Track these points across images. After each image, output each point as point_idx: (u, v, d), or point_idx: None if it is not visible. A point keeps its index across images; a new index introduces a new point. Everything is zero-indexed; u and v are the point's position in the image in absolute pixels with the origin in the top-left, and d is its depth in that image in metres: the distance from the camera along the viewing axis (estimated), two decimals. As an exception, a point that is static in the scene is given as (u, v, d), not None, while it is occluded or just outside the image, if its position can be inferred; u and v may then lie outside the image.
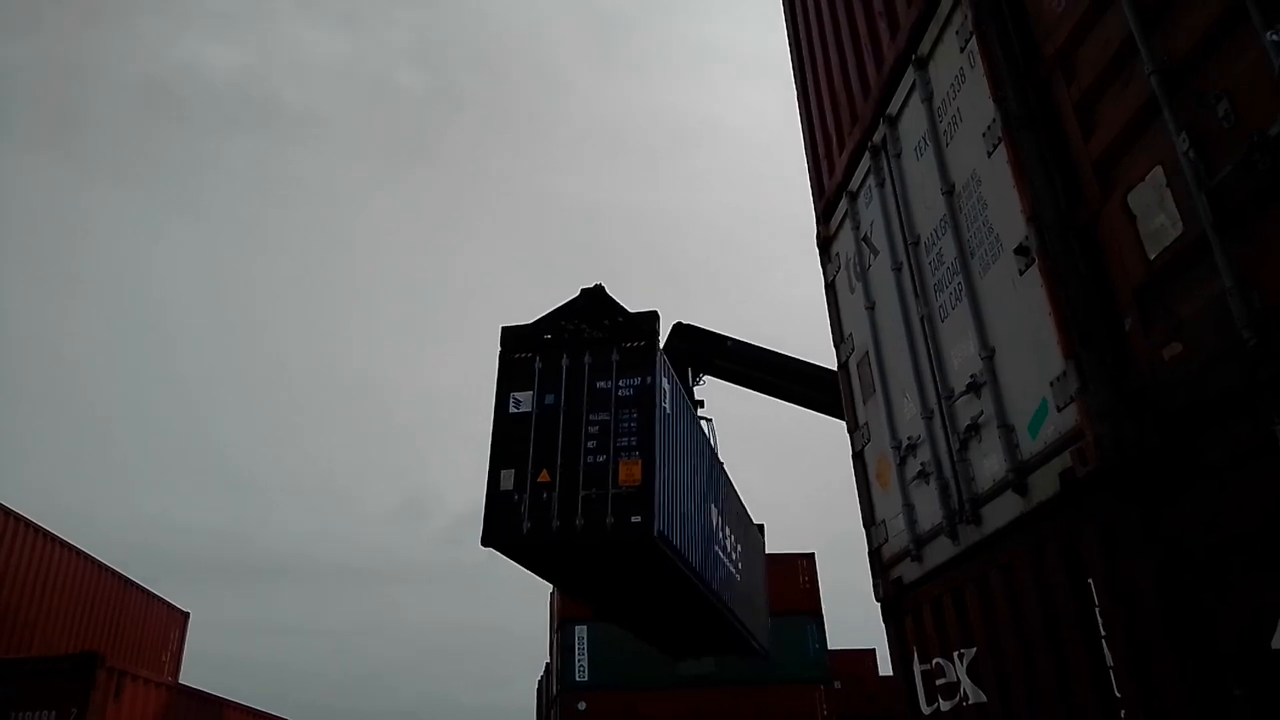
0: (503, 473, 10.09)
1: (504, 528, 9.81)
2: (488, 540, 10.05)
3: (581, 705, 30.37)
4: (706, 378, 15.20)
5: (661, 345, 14.99)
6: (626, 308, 10.96)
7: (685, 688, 30.18)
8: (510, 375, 10.57)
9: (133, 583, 13.95)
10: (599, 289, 11.48)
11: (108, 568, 13.03)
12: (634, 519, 9.60)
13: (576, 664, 30.62)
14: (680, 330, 14.95)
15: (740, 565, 15.01)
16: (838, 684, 32.84)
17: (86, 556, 12.39)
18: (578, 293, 11.41)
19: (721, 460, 14.88)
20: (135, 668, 7.38)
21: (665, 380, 10.98)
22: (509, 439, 10.19)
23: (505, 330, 11.07)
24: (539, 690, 47.02)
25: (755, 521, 18.01)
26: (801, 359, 14.67)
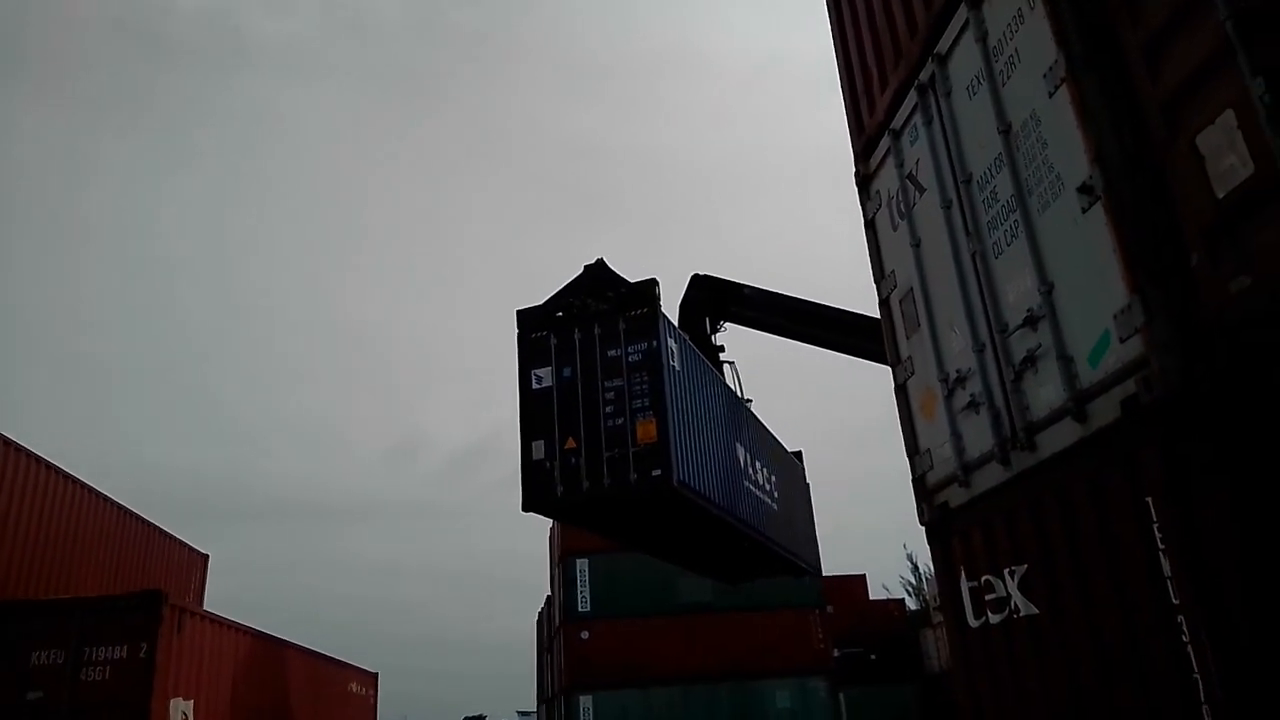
0: (533, 444, 10.96)
1: (540, 493, 10.73)
2: (528, 505, 10.93)
3: (584, 634, 31.39)
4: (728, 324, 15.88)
5: (680, 299, 15.63)
6: (626, 278, 11.69)
7: (685, 614, 31.24)
8: (529, 354, 11.46)
9: (155, 526, 14.20)
10: (600, 264, 12.02)
11: (132, 512, 13.23)
12: (654, 472, 10.41)
13: (579, 595, 31.53)
14: (698, 281, 15.45)
15: (777, 494, 15.73)
16: (830, 608, 34.05)
17: (112, 501, 12.59)
18: (581, 270, 11.94)
19: (750, 399, 15.51)
20: (192, 605, 7.61)
21: (671, 340, 11.62)
22: (535, 413, 11.12)
23: (520, 313, 11.85)
24: (539, 621, 48.13)
25: (792, 450, 18.82)
26: (816, 301, 15.11)
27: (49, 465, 10.71)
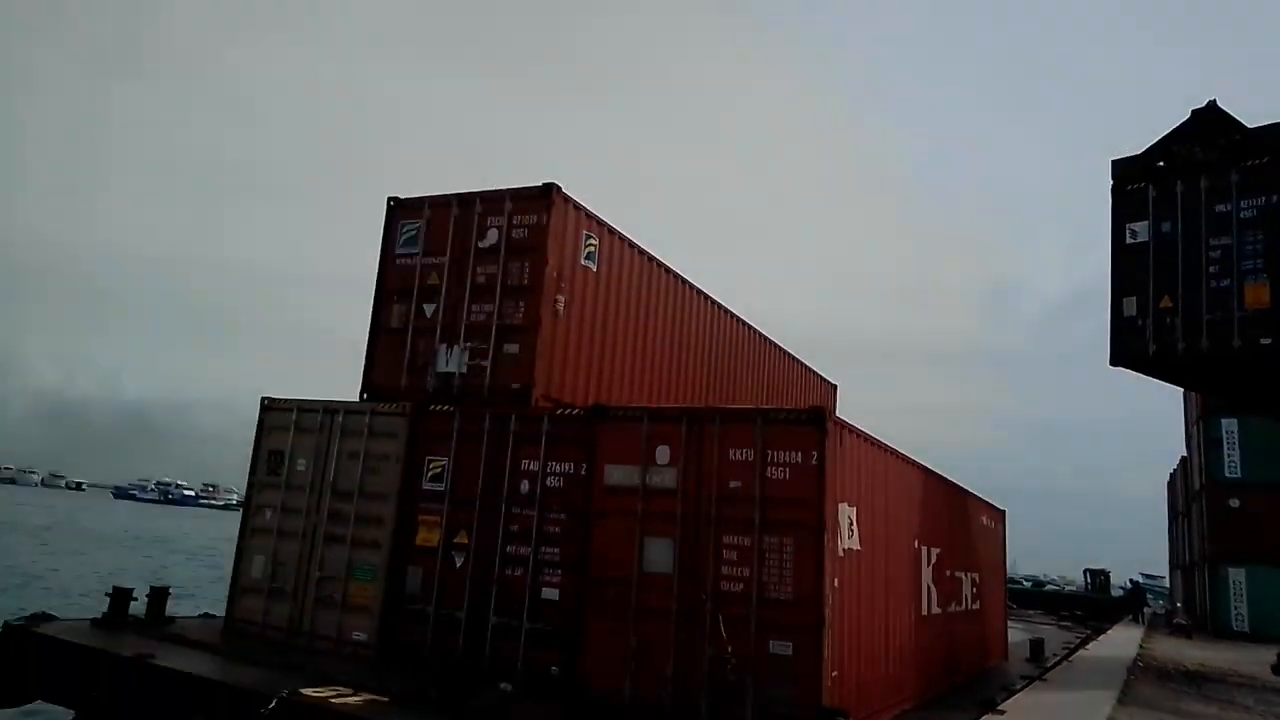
0: (1124, 300, 11.15)
1: (1130, 348, 11.07)
2: (1116, 360, 11.10)
3: (1234, 502, 27.31)
4: None
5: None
6: (1244, 123, 10.73)
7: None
8: (1125, 206, 11.39)
9: (795, 357, 15.95)
10: (1212, 107, 11.14)
11: (776, 343, 15.10)
12: (1263, 341, 10.03)
13: (1226, 459, 27.42)
14: None
15: None
16: None
17: (760, 333, 14.44)
18: (1188, 115, 11.33)
19: None
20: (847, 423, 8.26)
21: None
22: (1128, 268, 11.22)
23: (1116, 162, 11.36)
24: (1170, 482, 43.75)
25: None
26: None
27: (717, 303, 12.85)
